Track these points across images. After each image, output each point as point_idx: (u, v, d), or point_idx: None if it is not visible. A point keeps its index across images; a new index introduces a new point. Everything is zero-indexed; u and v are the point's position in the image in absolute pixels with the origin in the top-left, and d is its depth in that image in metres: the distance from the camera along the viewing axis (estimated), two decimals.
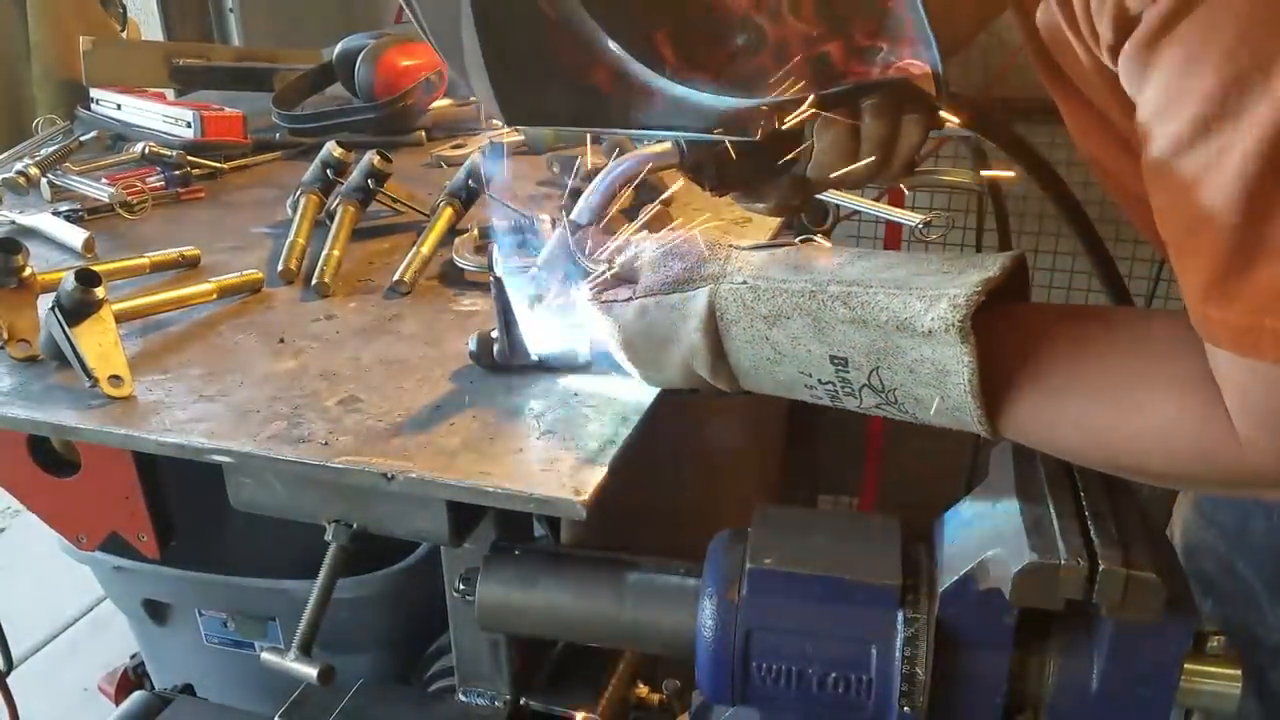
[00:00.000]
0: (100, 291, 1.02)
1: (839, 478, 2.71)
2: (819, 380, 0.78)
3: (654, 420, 0.92)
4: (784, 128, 0.78)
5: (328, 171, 1.39)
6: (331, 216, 1.34)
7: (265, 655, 0.94)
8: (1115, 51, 0.62)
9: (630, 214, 1.05)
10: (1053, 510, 0.75)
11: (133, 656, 1.92)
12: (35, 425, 0.97)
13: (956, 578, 0.75)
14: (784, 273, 0.78)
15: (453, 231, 1.31)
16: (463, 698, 1.10)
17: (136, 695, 1.29)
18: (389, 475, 0.85)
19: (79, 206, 1.47)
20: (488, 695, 1.09)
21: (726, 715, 0.91)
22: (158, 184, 1.58)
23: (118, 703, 1.69)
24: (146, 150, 1.63)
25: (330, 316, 1.16)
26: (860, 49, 0.78)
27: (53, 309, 1.01)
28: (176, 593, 1.63)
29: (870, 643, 0.77)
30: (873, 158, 0.82)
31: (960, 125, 0.87)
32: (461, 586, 0.94)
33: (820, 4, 0.75)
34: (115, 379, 0.98)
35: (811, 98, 0.78)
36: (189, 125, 1.71)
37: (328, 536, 0.96)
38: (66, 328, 1.00)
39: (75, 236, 1.35)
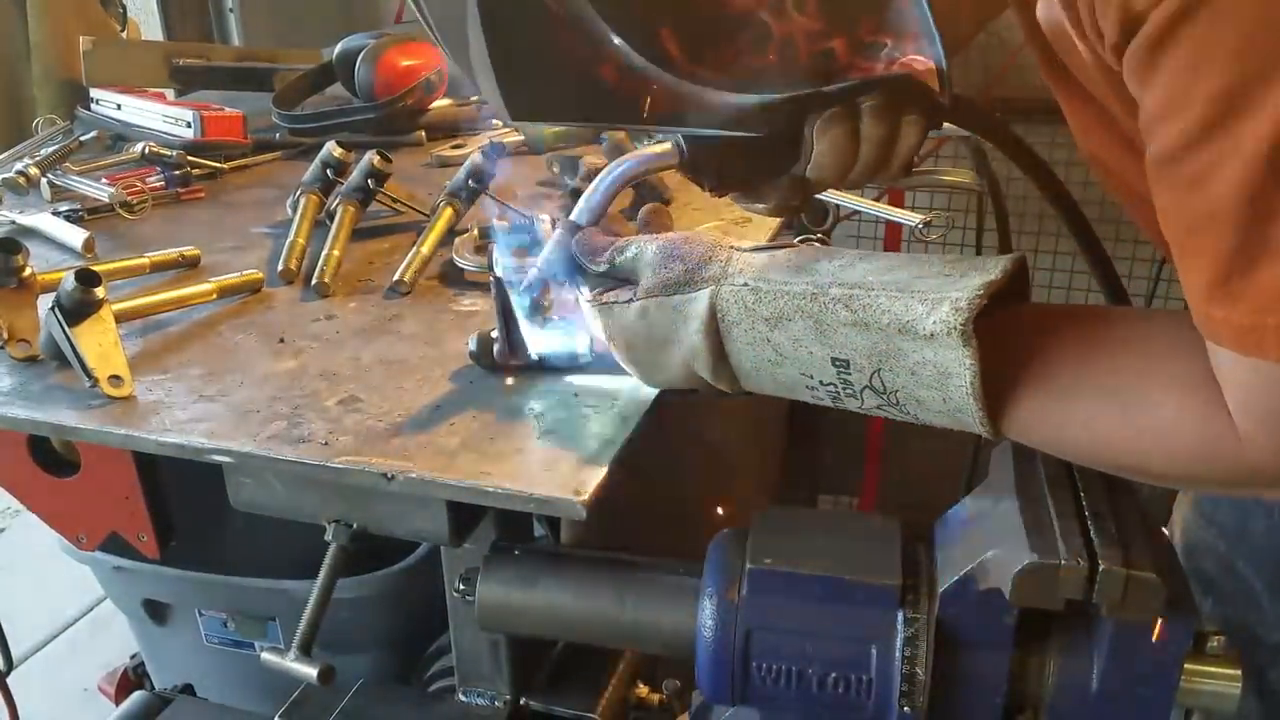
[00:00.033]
0: (100, 291, 1.02)
1: (839, 478, 2.71)
2: (820, 381, 0.78)
3: (654, 420, 0.92)
4: (785, 126, 0.78)
5: (328, 171, 1.39)
6: (331, 216, 1.34)
7: (265, 655, 0.94)
8: (1119, 51, 0.62)
9: (630, 214, 1.05)
10: (1053, 510, 0.75)
11: (133, 656, 1.92)
12: (35, 425, 0.97)
13: (956, 578, 0.75)
14: (785, 275, 0.79)
15: (453, 231, 1.31)
16: (463, 698, 1.10)
17: (136, 695, 1.29)
18: (389, 475, 0.85)
19: (79, 206, 1.47)
20: (488, 695, 1.09)
21: (726, 715, 0.91)
22: (158, 184, 1.58)
23: (118, 703, 1.69)
24: (146, 150, 1.63)
25: (330, 316, 1.16)
26: (865, 45, 0.79)
27: (53, 309, 1.01)
28: (176, 593, 1.63)
29: (870, 643, 0.77)
30: (871, 158, 0.82)
31: (958, 125, 0.87)
32: (461, 586, 0.94)
33: (825, 0, 0.76)
34: (115, 379, 0.98)
35: (818, 93, 0.78)
36: (189, 125, 1.70)
37: (328, 536, 0.96)
38: (66, 328, 1.00)
39: (75, 236, 1.35)
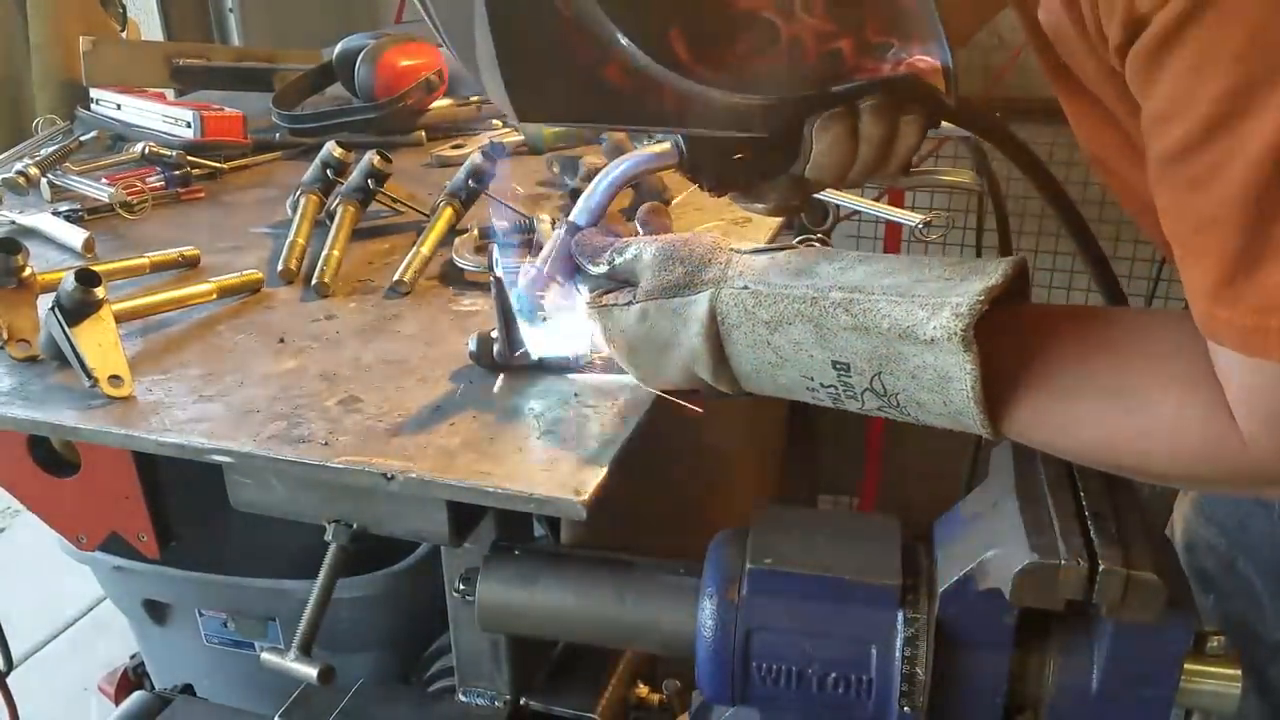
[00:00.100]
0: (100, 291, 1.02)
1: (839, 478, 2.71)
2: (821, 384, 0.78)
3: (654, 420, 0.92)
4: (786, 126, 0.78)
5: (328, 171, 1.39)
6: (331, 216, 1.34)
7: (265, 655, 0.94)
8: (1123, 52, 0.62)
9: (630, 214, 1.05)
10: (1053, 510, 0.75)
11: (133, 656, 1.92)
12: (35, 425, 0.98)
13: (956, 578, 0.75)
14: (785, 278, 0.78)
15: (453, 231, 1.31)
16: (463, 698, 1.10)
17: (136, 695, 1.28)
18: (389, 475, 0.85)
19: (79, 206, 1.47)
20: (488, 695, 1.09)
21: (726, 715, 0.91)
22: (158, 184, 1.58)
23: (118, 703, 1.69)
24: (146, 150, 1.63)
25: (330, 316, 1.16)
26: (872, 46, 0.79)
27: (53, 309, 1.01)
28: (176, 593, 1.63)
29: (870, 643, 0.77)
30: (870, 158, 0.82)
31: (958, 125, 0.87)
32: (461, 586, 0.94)
33: (832, 1, 0.76)
34: (115, 379, 0.98)
35: (822, 94, 0.78)
36: (189, 125, 1.70)
37: (328, 536, 0.96)
38: (66, 328, 1.00)
39: (75, 236, 1.35)
